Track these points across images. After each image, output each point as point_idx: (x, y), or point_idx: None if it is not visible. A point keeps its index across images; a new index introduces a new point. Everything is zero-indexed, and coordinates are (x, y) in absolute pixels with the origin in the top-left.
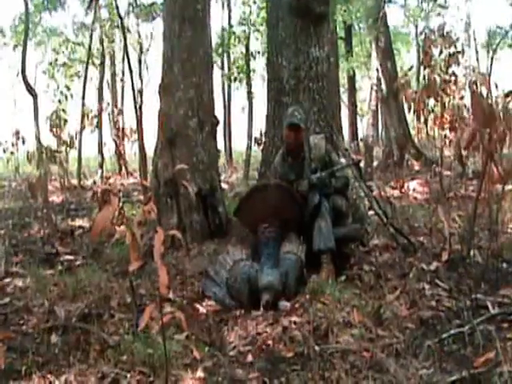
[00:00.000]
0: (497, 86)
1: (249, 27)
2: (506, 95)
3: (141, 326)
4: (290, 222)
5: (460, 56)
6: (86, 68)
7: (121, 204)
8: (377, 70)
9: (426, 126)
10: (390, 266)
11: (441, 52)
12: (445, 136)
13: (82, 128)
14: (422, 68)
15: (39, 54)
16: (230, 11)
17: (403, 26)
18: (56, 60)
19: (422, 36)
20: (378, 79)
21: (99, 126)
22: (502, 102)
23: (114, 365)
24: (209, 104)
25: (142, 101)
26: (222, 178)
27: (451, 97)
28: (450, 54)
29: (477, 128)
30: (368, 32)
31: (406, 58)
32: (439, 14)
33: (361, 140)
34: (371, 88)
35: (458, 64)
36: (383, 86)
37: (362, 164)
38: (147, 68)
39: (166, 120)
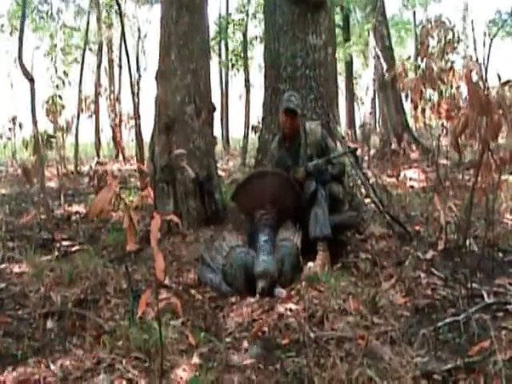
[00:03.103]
0: (491, 76)
1: (247, 14)
2: (504, 84)
3: (139, 312)
4: (287, 210)
5: (457, 44)
6: (83, 53)
7: (118, 189)
8: (374, 58)
9: (423, 115)
10: (386, 254)
11: (439, 41)
12: (442, 125)
13: (79, 114)
14: (419, 58)
15: (36, 39)
16: None
17: (402, 11)
18: (55, 46)
19: (420, 27)
20: (376, 67)
21: (96, 111)
22: (499, 91)
23: (110, 350)
24: (206, 90)
25: (139, 87)
26: (219, 164)
27: (448, 85)
28: (445, 42)
29: (470, 116)
30: (366, 20)
31: (409, 47)
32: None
33: (360, 127)
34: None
35: (452, 52)
36: (381, 75)
37: (358, 152)
38: (145, 54)
39: (163, 106)
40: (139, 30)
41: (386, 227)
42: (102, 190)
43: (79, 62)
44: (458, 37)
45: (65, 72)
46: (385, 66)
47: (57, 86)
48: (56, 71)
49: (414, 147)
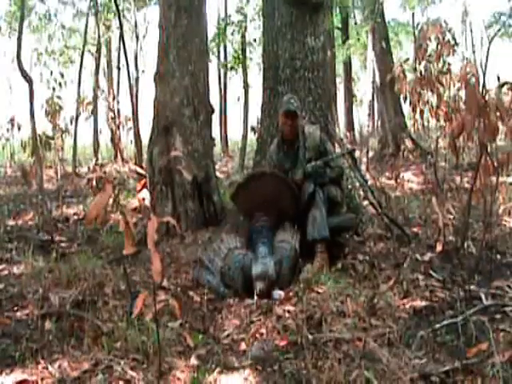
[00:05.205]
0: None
1: (245, 16)
2: (501, 86)
3: (135, 313)
4: (285, 211)
5: (455, 46)
6: (82, 55)
7: (116, 191)
8: (373, 60)
9: (422, 117)
10: (384, 256)
11: (437, 44)
12: (440, 127)
13: (78, 115)
14: (417, 60)
15: (34, 40)
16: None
17: (402, 11)
18: (46, 48)
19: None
20: (374, 70)
21: (95, 113)
22: (496, 93)
23: (108, 352)
24: (204, 92)
25: (137, 88)
26: (218, 166)
27: (447, 88)
28: (442, 44)
29: (468, 118)
30: (364, 22)
31: (409, 49)
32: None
33: (359, 129)
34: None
35: (448, 54)
36: (379, 77)
37: (357, 154)
38: (143, 55)
39: (161, 108)
40: (137, 31)
41: (384, 229)
42: (97, 196)
43: (74, 61)
44: (455, 39)
45: (61, 74)
46: (382, 68)
47: (53, 88)
48: (51, 73)
49: (412, 149)
